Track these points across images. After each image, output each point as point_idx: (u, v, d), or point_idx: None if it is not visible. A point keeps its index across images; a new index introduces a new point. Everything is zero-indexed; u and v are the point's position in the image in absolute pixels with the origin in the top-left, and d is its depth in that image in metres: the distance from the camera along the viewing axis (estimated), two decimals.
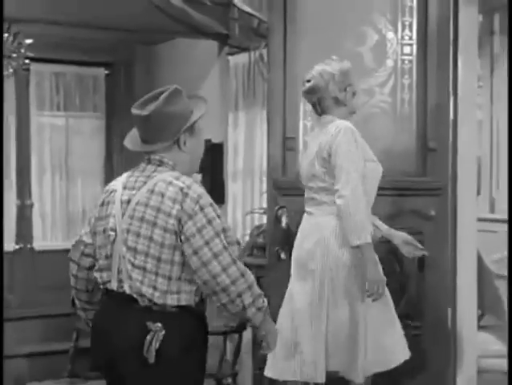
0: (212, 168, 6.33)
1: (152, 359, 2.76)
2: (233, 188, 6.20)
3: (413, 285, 4.32)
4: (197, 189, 2.80)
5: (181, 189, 2.79)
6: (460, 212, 4.55)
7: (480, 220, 5.04)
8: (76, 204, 7.46)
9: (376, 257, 3.43)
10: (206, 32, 5.81)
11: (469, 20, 4.53)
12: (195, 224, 2.77)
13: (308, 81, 3.60)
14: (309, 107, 3.87)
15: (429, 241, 4.26)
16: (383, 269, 3.55)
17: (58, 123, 7.30)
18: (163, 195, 2.81)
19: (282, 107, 4.25)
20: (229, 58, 6.11)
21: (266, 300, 2.88)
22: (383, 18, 4.31)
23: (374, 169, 3.57)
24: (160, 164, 2.90)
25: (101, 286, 2.93)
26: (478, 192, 6.81)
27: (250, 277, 2.82)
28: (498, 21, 7.51)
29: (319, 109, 3.63)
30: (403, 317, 4.07)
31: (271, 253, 4.21)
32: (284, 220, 4.13)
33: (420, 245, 3.79)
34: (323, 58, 3.79)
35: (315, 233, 3.56)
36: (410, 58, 4.35)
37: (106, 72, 7.49)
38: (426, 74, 4.33)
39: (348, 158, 3.42)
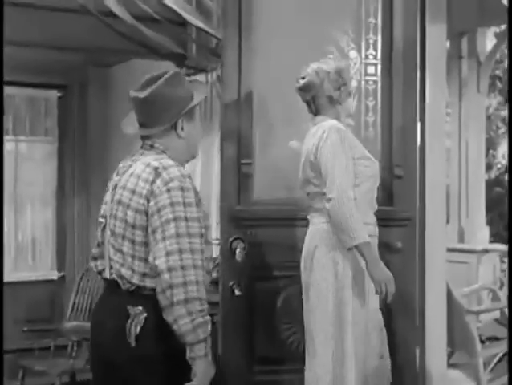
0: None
1: (133, 343, 2.74)
2: None
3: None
4: (174, 172, 2.75)
5: (156, 169, 2.76)
6: (428, 243, 4.42)
7: (449, 250, 4.94)
8: (26, 233, 7.14)
9: (378, 256, 3.35)
10: (162, 52, 5.59)
11: (437, 39, 4.44)
12: (156, 203, 2.72)
13: (303, 78, 3.55)
14: (264, 129, 3.80)
15: (396, 274, 3.92)
16: None
17: (7, 148, 7.00)
18: (139, 176, 2.80)
19: (236, 129, 3.95)
20: (187, 79, 5.83)
21: (208, 328, 2.70)
22: (345, 36, 4.10)
23: (368, 166, 3.48)
24: (151, 148, 2.89)
25: (99, 276, 2.95)
26: (447, 222, 6.71)
27: (195, 277, 2.67)
28: (466, 45, 7.43)
29: (314, 108, 3.57)
30: None
31: (225, 288, 3.92)
32: (238, 253, 3.82)
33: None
34: (281, 79, 3.73)
35: (310, 242, 3.50)
36: (374, 78, 4.15)
37: (58, 95, 7.25)
38: (392, 96, 4.14)
39: (334, 160, 3.36)
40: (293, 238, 3.86)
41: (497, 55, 8.85)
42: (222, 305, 3.97)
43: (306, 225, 3.61)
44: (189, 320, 2.66)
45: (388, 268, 3.90)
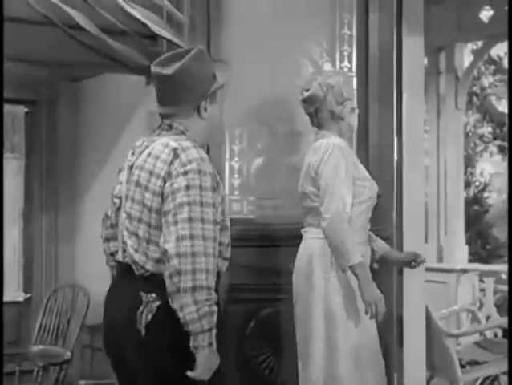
0: None
1: (143, 332, 2.67)
2: None
3: None
4: (192, 154, 2.69)
5: (174, 150, 2.70)
6: None
7: (427, 269, 4.87)
8: None
9: (370, 276, 3.31)
10: (131, 66, 5.41)
11: (414, 52, 4.38)
12: (172, 185, 2.66)
13: (307, 90, 3.53)
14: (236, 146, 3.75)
15: None
16: None
17: None
18: (157, 157, 2.73)
19: (205, 146, 3.80)
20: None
21: (214, 318, 2.61)
22: (319, 47, 4.02)
23: (367, 187, 3.48)
24: (169, 128, 2.81)
25: (111, 259, 2.91)
26: (425, 240, 6.65)
27: (205, 265, 2.59)
28: (444, 60, 7.40)
29: (316, 121, 3.56)
30: None
31: None
32: None
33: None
34: (253, 91, 3.70)
35: (302, 256, 3.47)
36: None
37: (26, 110, 7.09)
38: (367, 111, 4.06)
39: (335, 178, 3.33)
40: (264, 259, 3.77)
41: (475, 72, 8.83)
42: None
43: (279, 245, 3.47)
44: (195, 309, 2.57)
45: None
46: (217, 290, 2.70)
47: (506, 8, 6.80)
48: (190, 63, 2.77)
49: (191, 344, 2.61)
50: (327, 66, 4.00)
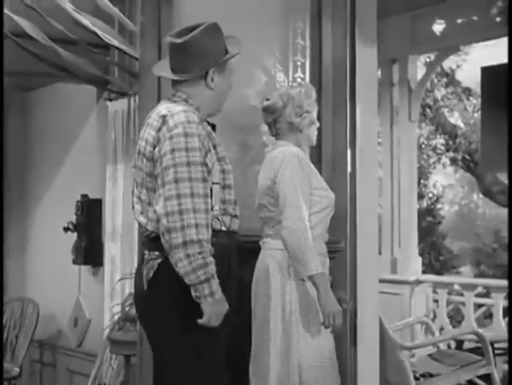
0: (88, 227, 5.90)
1: (145, 287, 2.90)
2: (112, 248, 5.61)
3: None
4: (180, 118, 2.87)
5: (163, 117, 2.90)
6: (360, 275, 4.26)
7: (381, 281, 4.92)
8: None
9: (329, 286, 3.30)
10: (82, 75, 5.31)
11: (368, 63, 4.31)
12: (160, 150, 2.86)
13: (267, 99, 3.53)
14: None
15: None
16: None
17: None
18: (151, 126, 2.94)
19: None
20: (108, 104, 5.61)
21: (212, 270, 2.79)
22: (271, 56, 3.93)
23: (325, 197, 3.46)
24: (173, 96, 3.03)
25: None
26: (379, 252, 6.62)
27: (194, 220, 2.75)
28: (398, 72, 7.40)
29: (274, 131, 3.54)
30: None
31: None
32: None
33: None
34: None
35: (260, 267, 3.43)
36: None
37: None
38: (320, 122, 3.92)
39: (291, 188, 3.30)
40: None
41: (428, 84, 8.87)
42: (141, 345, 3.68)
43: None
44: (187, 262, 2.75)
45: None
46: (228, 247, 2.97)
47: (458, 21, 6.90)
48: (200, 35, 2.98)
49: (193, 295, 2.80)
50: (280, 76, 3.92)
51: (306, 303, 3.31)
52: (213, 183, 2.94)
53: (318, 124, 3.57)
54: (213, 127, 3.14)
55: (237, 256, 3.13)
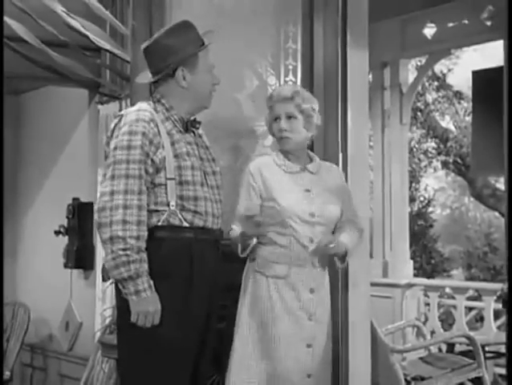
0: (80, 230, 5.87)
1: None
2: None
3: None
4: (130, 117, 2.97)
5: (119, 116, 3.03)
6: (351, 278, 4.19)
7: (373, 284, 4.81)
8: None
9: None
10: (74, 78, 5.31)
11: (359, 66, 4.27)
12: (108, 148, 3.00)
13: None
14: None
15: None
16: None
17: None
18: (111, 125, 3.07)
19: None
20: (100, 107, 5.60)
21: (137, 268, 2.83)
22: (263, 60, 3.94)
23: (270, 208, 3.39)
24: (151, 98, 3.13)
25: None
26: (371, 256, 6.63)
27: (121, 216, 2.81)
28: (389, 76, 7.42)
29: None
30: None
31: None
32: None
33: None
34: None
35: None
36: None
37: None
38: None
39: (238, 201, 3.43)
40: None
41: (419, 88, 8.89)
42: None
43: None
44: (111, 258, 2.82)
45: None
46: (192, 243, 2.99)
47: (449, 25, 6.92)
48: (162, 37, 3.07)
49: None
50: (272, 80, 3.93)
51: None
52: (167, 178, 2.97)
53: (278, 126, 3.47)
54: (198, 123, 3.18)
55: (214, 255, 3.14)
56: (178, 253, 2.98)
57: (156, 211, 2.97)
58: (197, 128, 3.18)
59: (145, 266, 2.88)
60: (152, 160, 2.95)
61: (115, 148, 2.94)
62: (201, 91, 3.12)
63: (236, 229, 3.33)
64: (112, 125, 3.05)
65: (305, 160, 3.51)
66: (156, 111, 3.06)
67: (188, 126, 3.12)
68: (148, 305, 2.88)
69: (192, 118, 3.17)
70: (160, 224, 2.97)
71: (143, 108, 3.04)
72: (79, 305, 5.99)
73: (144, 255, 2.89)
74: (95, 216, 2.88)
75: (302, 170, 3.48)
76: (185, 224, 3.00)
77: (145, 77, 3.20)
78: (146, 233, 2.91)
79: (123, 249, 2.81)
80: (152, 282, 2.90)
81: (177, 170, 3.00)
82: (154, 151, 2.96)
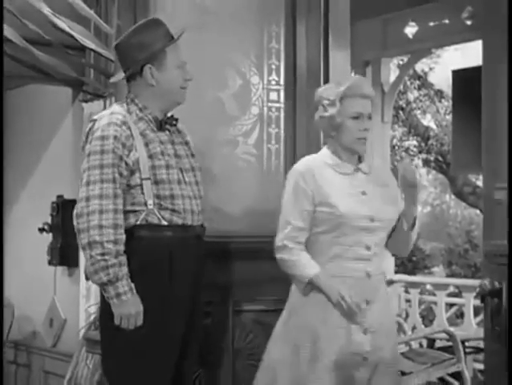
0: (64, 227, 5.86)
1: None
2: None
3: None
4: (102, 121, 3.00)
5: (93, 121, 3.07)
6: None
7: None
8: None
9: (329, 282, 3.12)
10: (58, 77, 5.33)
11: (341, 66, 4.33)
12: (83, 153, 3.05)
13: None
14: None
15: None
16: None
17: None
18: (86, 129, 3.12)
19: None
20: (84, 105, 5.63)
21: (116, 272, 2.87)
22: (246, 59, 3.95)
23: (326, 213, 3.13)
24: (126, 98, 3.14)
25: None
26: None
27: (98, 221, 2.85)
28: (371, 74, 7.47)
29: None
30: None
31: None
32: None
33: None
34: None
35: None
36: (277, 105, 4.01)
37: None
38: (295, 124, 4.03)
39: (283, 207, 3.23)
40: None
41: (401, 86, 8.96)
42: None
43: None
44: (90, 263, 2.87)
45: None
46: (172, 241, 3.02)
47: (430, 24, 7.00)
48: (129, 35, 3.10)
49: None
50: (255, 79, 3.95)
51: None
52: (142, 179, 3.01)
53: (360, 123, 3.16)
54: (175, 120, 3.20)
55: (196, 251, 3.15)
56: (158, 251, 3.01)
57: (134, 211, 3.01)
58: (174, 125, 3.19)
59: (125, 270, 2.92)
60: (126, 163, 2.99)
61: (89, 154, 2.99)
62: (170, 87, 3.12)
63: (296, 260, 3.15)
64: (87, 130, 3.08)
65: (355, 160, 3.23)
66: (129, 113, 3.08)
67: (163, 124, 3.13)
68: (129, 308, 2.93)
69: (169, 115, 3.19)
70: (138, 223, 3.00)
71: (115, 111, 3.07)
72: (63, 302, 6.01)
73: (123, 258, 2.92)
74: (74, 222, 2.94)
75: (356, 171, 3.21)
76: (164, 222, 3.03)
77: (118, 76, 3.23)
78: (124, 236, 2.94)
79: (102, 254, 2.85)
80: (132, 285, 2.94)
81: (152, 170, 3.02)
82: (127, 154, 3.00)
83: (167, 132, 3.16)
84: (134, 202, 3.02)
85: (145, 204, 3.01)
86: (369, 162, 3.26)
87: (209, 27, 3.86)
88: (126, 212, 2.99)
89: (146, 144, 3.05)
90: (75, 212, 2.94)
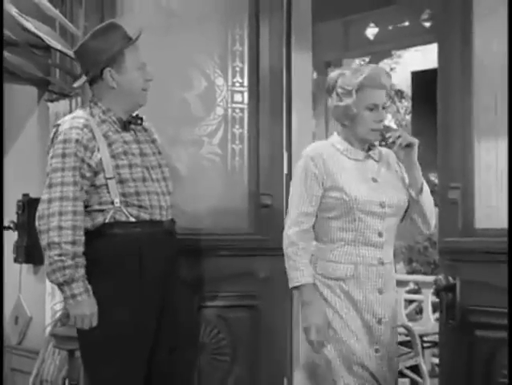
0: (30, 226, 5.85)
1: None
2: None
3: (246, 352, 4.08)
4: (64, 126, 3.10)
5: (56, 126, 3.16)
6: None
7: None
8: None
9: (312, 299, 3.07)
10: (24, 77, 5.37)
11: (303, 68, 4.49)
12: (48, 158, 3.13)
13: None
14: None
15: (264, 305, 4.06)
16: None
17: None
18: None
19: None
20: (49, 104, 5.67)
21: (72, 273, 2.97)
22: (211, 61, 4.06)
23: (335, 198, 3.09)
24: (90, 102, 3.22)
25: None
26: None
27: (57, 223, 2.95)
28: None
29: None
30: None
31: None
32: None
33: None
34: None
35: None
36: (241, 106, 4.13)
37: None
38: (258, 125, 4.13)
39: (292, 191, 3.18)
40: None
41: None
42: None
43: None
44: (48, 263, 3.00)
45: (255, 297, 4.03)
46: (141, 237, 3.11)
47: (390, 27, 7.14)
48: (87, 40, 3.18)
49: None
50: (220, 81, 4.05)
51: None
52: (107, 178, 3.09)
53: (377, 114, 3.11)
54: (140, 119, 3.27)
55: (166, 246, 3.24)
56: (127, 247, 3.10)
57: (102, 210, 3.10)
58: (139, 124, 3.26)
59: (81, 271, 3.01)
60: (89, 165, 3.08)
61: (52, 157, 3.09)
62: (131, 89, 3.18)
63: (301, 267, 3.08)
64: (51, 134, 3.16)
65: (366, 147, 3.19)
66: (92, 116, 3.16)
67: (127, 125, 3.21)
68: (83, 309, 3.03)
69: (134, 115, 3.26)
70: (107, 221, 3.09)
71: (77, 116, 3.17)
72: (28, 299, 6.04)
73: (81, 260, 3.02)
74: (36, 223, 3.03)
75: (367, 157, 3.18)
76: (132, 219, 3.12)
77: (81, 80, 3.30)
78: (83, 238, 3.04)
79: (59, 255, 2.96)
80: (89, 287, 3.03)
81: (115, 169, 3.11)
82: (90, 156, 3.08)
83: (132, 132, 3.24)
84: (101, 201, 3.10)
85: (112, 202, 3.09)
86: (379, 149, 3.23)
87: (174, 29, 3.95)
88: (94, 212, 3.08)
89: (109, 145, 3.13)
90: (37, 214, 3.04)
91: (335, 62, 7.60)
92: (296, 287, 3.10)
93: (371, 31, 7.29)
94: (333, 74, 3.24)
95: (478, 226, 3.35)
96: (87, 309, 3.03)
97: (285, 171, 4.26)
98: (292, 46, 4.37)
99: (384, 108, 3.11)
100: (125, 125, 3.21)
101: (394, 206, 3.13)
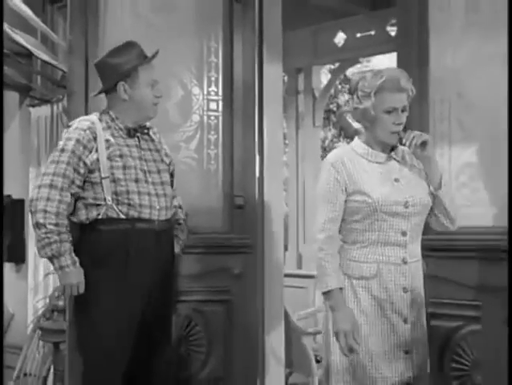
0: (12, 226, 6.07)
1: None
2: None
3: (219, 347, 4.24)
4: (73, 126, 3.42)
5: (68, 126, 3.47)
6: (267, 269, 4.54)
7: (287, 275, 5.13)
8: None
9: (339, 304, 3.05)
10: (6, 82, 5.54)
11: (274, 77, 4.61)
12: None
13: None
14: None
15: (237, 300, 4.25)
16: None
17: None
18: None
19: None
20: (31, 110, 5.86)
21: (58, 248, 3.27)
22: (188, 72, 4.25)
23: (358, 202, 3.09)
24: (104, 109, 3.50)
25: None
26: (286, 248, 6.89)
27: (43, 206, 3.26)
28: (303, 81, 7.71)
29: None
30: (209, 382, 4.12)
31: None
32: None
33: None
34: None
35: None
36: (216, 114, 4.32)
37: None
38: (232, 131, 4.32)
39: (317, 198, 3.19)
40: None
41: (332, 91, 9.18)
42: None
43: None
44: (37, 240, 3.30)
45: (229, 293, 4.20)
46: (130, 232, 3.38)
47: (357, 35, 7.30)
48: (106, 56, 3.47)
49: None
50: (196, 90, 4.24)
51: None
52: (102, 178, 3.38)
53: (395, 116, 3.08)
54: (146, 129, 3.55)
55: (156, 243, 3.45)
56: (115, 241, 3.37)
57: (96, 205, 3.38)
58: (145, 133, 3.54)
59: (67, 246, 3.31)
60: (84, 162, 3.37)
61: (53, 151, 3.42)
62: (141, 103, 3.46)
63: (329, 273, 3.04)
64: (63, 134, 3.48)
65: (388, 149, 3.17)
66: (100, 121, 3.45)
67: (131, 132, 3.48)
68: (71, 278, 3.33)
69: (142, 124, 3.53)
70: (100, 217, 3.37)
71: (85, 118, 3.49)
72: (11, 297, 6.17)
73: (65, 236, 3.31)
74: (28, 204, 3.35)
75: (389, 159, 3.16)
76: (122, 216, 3.39)
77: (96, 91, 3.59)
78: (65, 222, 3.34)
79: (45, 233, 3.26)
80: (76, 259, 3.34)
81: (110, 170, 3.39)
82: (87, 155, 3.37)
83: (135, 139, 3.51)
84: (96, 197, 3.39)
85: (105, 199, 3.38)
86: (401, 149, 3.18)
87: (153, 41, 4.03)
88: (90, 205, 3.39)
89: (108, 148, 3.41)
90: (29, 196, 3.37)
91: (305, 69, 7.71)
92: (325, 292, 3.07)
93: (339, 39, 7.38)
94: (355, 76, 3.22)
95: None
96: (74, 278, 3.33)
97: (257, 174, 4.44)
98: (264, 57, 4.54)
99: (403, 111, 3.08)
100: (130, 132, 3.49)
101: (418, 205, 3.10)
